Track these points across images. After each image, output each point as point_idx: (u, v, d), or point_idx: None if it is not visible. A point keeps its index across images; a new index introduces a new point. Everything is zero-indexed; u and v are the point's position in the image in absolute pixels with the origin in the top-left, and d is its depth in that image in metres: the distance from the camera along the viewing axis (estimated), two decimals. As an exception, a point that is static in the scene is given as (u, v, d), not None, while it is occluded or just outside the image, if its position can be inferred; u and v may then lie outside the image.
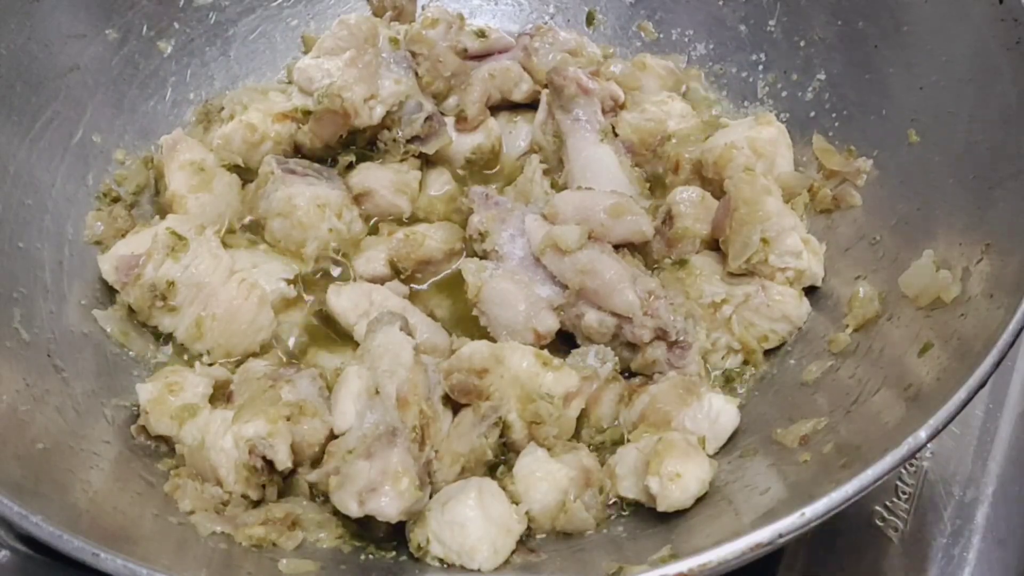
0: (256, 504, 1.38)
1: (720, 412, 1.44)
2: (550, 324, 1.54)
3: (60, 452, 1.32)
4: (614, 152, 1.74)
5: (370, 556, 1.34)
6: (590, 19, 2.09)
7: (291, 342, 1.63)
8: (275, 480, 1.39)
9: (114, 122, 1.79)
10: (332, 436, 1.40)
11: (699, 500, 1.32)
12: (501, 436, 1.41)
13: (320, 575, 1.26)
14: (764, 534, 1.07)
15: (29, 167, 1.62)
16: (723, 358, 1.58)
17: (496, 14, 2.13)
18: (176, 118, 1.89)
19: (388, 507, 1.25)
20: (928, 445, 1.15)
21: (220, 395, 1.48)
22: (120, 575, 1.07)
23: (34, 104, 1.66)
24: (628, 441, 1.43)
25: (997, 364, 1.18)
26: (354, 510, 1.27)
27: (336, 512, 1.32)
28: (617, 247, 1.58)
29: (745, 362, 1.59)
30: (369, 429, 1.34)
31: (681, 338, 1.50)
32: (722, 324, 1.57)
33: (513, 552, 1.30)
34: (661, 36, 2.04)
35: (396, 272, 1.69)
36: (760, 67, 1.91)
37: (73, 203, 1.68)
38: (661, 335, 1.50)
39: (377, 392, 1.36)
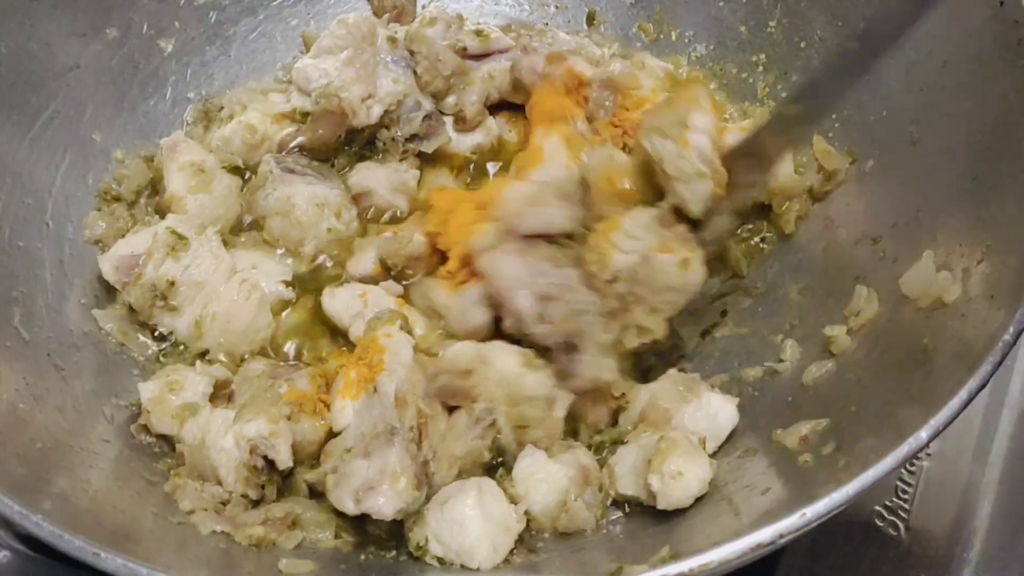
0: (256, 504, 1.38)
1: (719, 410, 1.44)
2: (479, 320, 1.53)
3: (60, 451, 1.32)
4: (563, 143, 1.69)
5: (370, 556, 1.34)
6: (590, 19, 2.09)
7: (290, 343, 1.63)
8: (275, 480, 1.39)
9: (114, 121, 1.79)
10: (331, 435, 1.40)
11: (699, 500, 1.32)
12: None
13: (320, 575, 1.26)
14: (765, 534, 1.07)
15: (29, 167, 1.62)
16: (633, 338, 1.48)
17: (496, 14, 2.13)
18: (176, 118, 1.89)
19: (385, 506, 1.25)
20: (928, 445, 1.15)
21: (220, 394, 1.48)
22: (120, 575, 1.07)
23: (34, 104, 1.65)
24: (626, 442, 1.42)
25: (997, 364, 1.18)
26: (350, 508, 1.27)
27: (336, 511, 1.32)
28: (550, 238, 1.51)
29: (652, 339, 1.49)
30: (367, 428, 1.34)
31: (575, 341, 1.45)
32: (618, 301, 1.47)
33: (512, 551, 1.30)
34: (661, 36, 2.04)
35: (387, 270, 1.69)
36: (760, 67, 1.91)
37: (73, 203, 1.68)
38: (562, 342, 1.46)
39: (375, 391, 1.36)
